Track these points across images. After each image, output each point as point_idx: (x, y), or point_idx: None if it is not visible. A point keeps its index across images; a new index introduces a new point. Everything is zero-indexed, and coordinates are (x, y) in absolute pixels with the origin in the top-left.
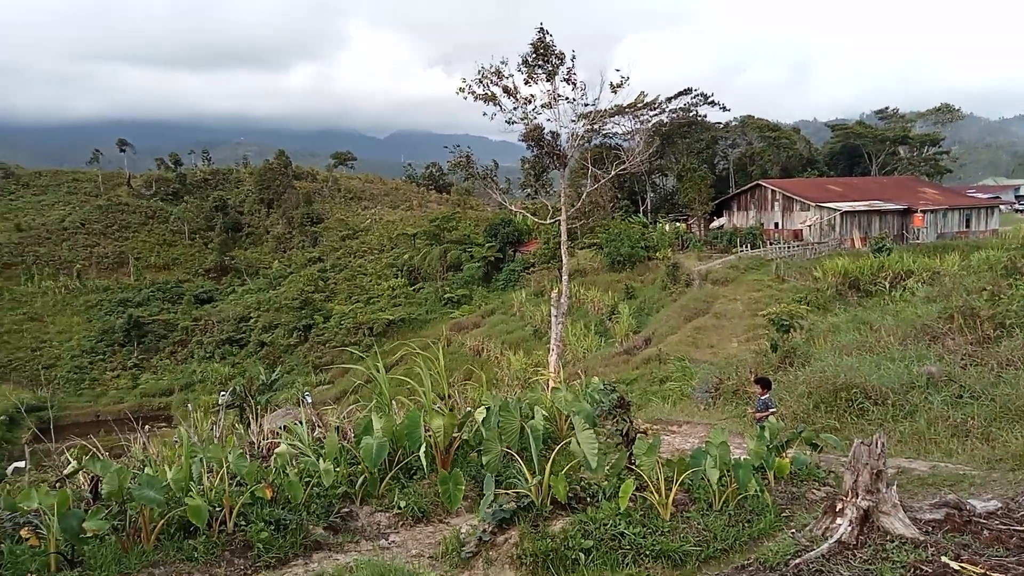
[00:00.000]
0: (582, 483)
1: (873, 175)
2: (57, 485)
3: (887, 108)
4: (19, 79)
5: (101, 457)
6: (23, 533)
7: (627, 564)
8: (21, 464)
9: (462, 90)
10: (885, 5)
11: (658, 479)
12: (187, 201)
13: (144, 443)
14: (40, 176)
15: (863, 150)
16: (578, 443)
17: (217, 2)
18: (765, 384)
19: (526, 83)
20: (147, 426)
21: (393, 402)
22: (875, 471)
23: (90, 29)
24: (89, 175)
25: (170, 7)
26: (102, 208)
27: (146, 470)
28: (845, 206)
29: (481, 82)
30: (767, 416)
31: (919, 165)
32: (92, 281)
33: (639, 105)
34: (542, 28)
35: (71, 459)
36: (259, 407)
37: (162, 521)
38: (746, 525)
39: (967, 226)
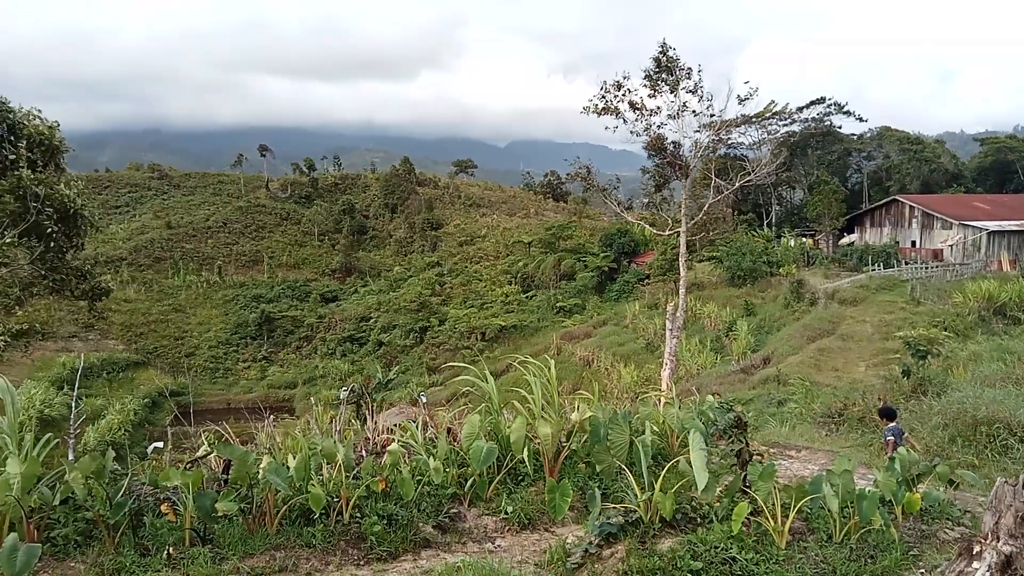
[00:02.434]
0: (692, 503)
1: None
2: (191, 466)
3: None
4: (172, 89)
5: (232, 442)
6: (163, 508)
7: None
8: (159, 444)
9: (586, 109)
10: None
11: (774, 505)
12: (318, 204)
13: (270, 432)
14: (189, 178)
15: (1016, 165)
16: (689, 462)
17: (349, 16)
18: (888, 415)
19: (650, 96)
20: (272, 416)
21: (503, 408)
22: (1021, 514)
23: (235, 43)
24: (232, 178)
25: (306, 22)
26: (242, 209)
27: (265, 459)
28: (993, 225)
29: (604, 97)
30: (895, 446)
31: None
32: (230, 277)
33: (767, 115)
34: (664, 43)
35: (205, 442)
36: (375, 404)
37: (285, 507)
38: (868, 561)
39: None
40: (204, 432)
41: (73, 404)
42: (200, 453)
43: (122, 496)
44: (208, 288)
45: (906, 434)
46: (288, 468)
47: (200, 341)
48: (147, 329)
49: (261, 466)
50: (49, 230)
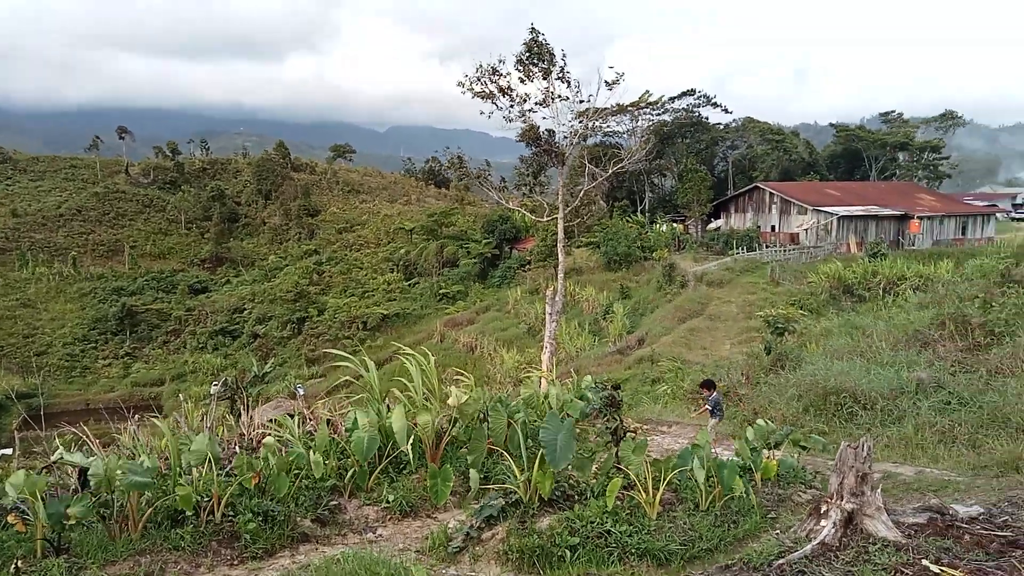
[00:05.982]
0: (570, 481)
1: (872, 180)
2: (44, 472)
3: (892, 112)
4: (15, 64)
5: (91, 445)
6: (10, 519)
7: (612, 562)
8: (7, 451)
9: (461, 84)
10: (891, 13)
11: (646, 478)
12: (184, 190)
13: (134, 432)
14: (38, 162)
15: (864, 154)
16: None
17: None
18: (708, 386)
19: (521, 81)
20: (137, 415)
21: (385, 397)
22: (860, 474)
23: (87, 16)
24: (87, 162)
25: None
26: (99, 195)
27: (132, 459)
28: (842, 211)
29: (480, 80)
30: (714, 415)
31: (918, 170)
32: (87, 269)
33: (642, 104)
34: (534, 28)
35: (59, 447)
36: (251, 399)
37: (150, 510)
38: (732, 526)
39: (963, 233)
40: (60, 436)
41: None
42: (54, 458)
43: None
44: (61, 281)
45: (721, 401)
46: (150, 466)
47: (53, 338)
48: None
49: (116, 469)
50: None
